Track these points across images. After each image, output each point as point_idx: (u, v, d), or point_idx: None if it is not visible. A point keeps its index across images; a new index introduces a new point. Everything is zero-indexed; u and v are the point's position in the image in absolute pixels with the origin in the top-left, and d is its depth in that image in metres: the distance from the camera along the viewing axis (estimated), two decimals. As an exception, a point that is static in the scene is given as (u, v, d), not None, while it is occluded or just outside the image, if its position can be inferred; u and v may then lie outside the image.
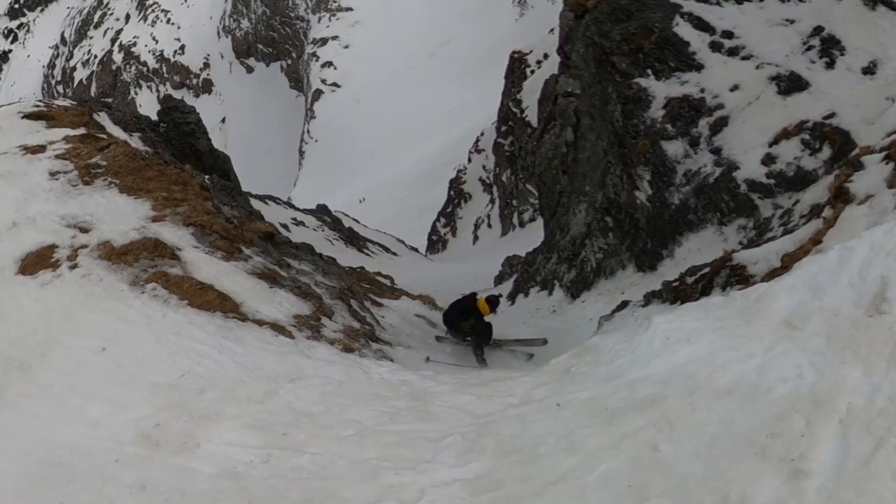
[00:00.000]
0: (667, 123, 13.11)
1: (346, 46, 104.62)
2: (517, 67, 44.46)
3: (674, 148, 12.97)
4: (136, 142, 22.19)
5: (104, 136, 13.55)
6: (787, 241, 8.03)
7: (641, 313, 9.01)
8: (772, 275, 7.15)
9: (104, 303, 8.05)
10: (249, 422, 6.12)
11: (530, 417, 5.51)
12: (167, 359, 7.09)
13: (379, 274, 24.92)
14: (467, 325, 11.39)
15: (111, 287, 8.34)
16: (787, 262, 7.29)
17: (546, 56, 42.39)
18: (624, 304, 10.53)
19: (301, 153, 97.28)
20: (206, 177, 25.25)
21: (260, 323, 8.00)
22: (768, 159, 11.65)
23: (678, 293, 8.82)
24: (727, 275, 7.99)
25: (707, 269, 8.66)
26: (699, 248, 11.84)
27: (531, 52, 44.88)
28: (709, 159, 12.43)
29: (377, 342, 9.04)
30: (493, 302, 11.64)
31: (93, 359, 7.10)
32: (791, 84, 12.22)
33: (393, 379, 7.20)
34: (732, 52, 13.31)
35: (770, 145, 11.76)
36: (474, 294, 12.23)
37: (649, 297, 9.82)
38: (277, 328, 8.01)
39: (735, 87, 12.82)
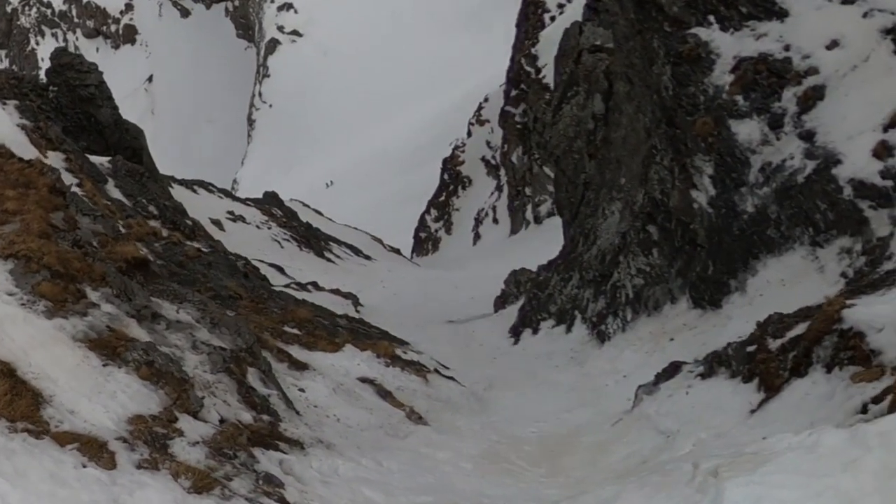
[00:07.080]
0: (736, 94, 12.97)
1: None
2: (532, 13, 44.33)
3: (747, 130, 12.79)
4: (9, 112, 20.93)
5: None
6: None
7: (703, 451, 7.45)
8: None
9: None
10: None
11: None
12: None
13: (337, 292, 23.89)
14: None
15: None
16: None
17: (569, -2, 42.29)
18: (675, 368, 9.90)
19: (251, 122, 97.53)
20: (107, 160, 24.13)
21: (65, 439, 6.76)
22: (884, 150, 11.33)
23: (755, 367, 8.18)
24: (834, 345, 7.00)
25: (802, 330, 7.70)
26: (783, 279, 11.46)
27: (550, -8, 44.58)
28: (797, 148, 12.21)
29: (275, 447, 7.92)
30: None
31: None
32: (915, 40, 12.12)
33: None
34: (829, -7, 13.29)
35: (886, 129, 11.45)
36: None
37: (713, 363, 9.19)
38: (91, 448, 6.75)
39: (834, 44, 12.66)
